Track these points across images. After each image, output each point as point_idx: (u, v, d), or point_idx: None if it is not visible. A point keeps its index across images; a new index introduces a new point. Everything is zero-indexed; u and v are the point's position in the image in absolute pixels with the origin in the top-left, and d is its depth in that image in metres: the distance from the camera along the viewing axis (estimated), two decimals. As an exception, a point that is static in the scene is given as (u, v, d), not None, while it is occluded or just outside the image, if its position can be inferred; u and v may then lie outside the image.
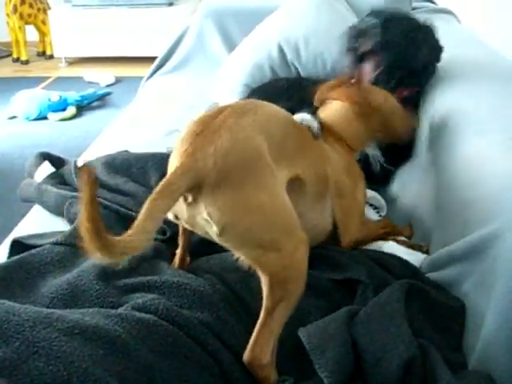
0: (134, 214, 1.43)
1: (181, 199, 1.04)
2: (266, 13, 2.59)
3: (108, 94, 4.57)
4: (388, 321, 1.07)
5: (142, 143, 2.08)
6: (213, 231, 1.06)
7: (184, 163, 1.04)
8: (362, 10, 2.48)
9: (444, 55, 1.70)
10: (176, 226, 1.27)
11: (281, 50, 2.29)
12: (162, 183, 1.00)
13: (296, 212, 1.12)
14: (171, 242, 1.37)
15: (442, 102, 1.62)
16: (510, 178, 1.16)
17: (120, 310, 1.05)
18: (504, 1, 4.42)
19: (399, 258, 1.36)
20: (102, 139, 2.33)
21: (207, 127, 1.09)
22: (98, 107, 4.38)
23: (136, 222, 0.95)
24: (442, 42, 1.80)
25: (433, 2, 3.03)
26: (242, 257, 1.09)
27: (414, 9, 2.75)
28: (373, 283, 1.23)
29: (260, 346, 1.06)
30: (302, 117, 1.41)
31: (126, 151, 1.84)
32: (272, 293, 1.06)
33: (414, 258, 1.39)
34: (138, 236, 0.95)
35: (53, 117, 4.09)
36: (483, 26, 4.59)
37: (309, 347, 1.05)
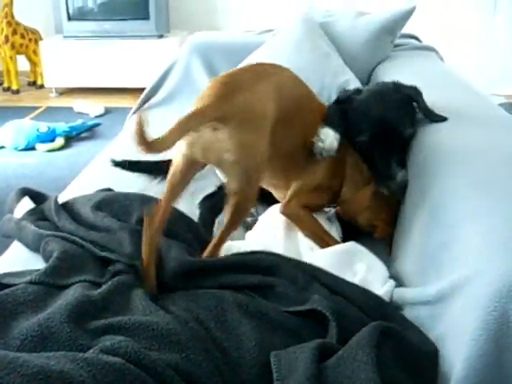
0: (104, 254, 1.46)
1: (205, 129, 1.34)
2: (252, 48, 2.64)
3: (97, 125, 4.58)
4: (358, 367, 1.07)
5: (125, 178, 2.09)
6: (226, 154, 1.35)
7: (214, 102, 1.35)
8: (345, 47, 2.54)
9: (427, 97, 1.71)
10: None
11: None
12: (195, 109, 1.31)
13: None
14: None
15: (424, 143, 1.63)
16: (481, 221, 1.17)
17: (87, 354, 1.04)
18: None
19: (370, 293, 1.36)
20: (85, 173, 2.33)
21: (233, 82, 1.43)
22: (87, 138, 4.39)
23: (168, 130, 1.22)
24: (425, 82, 1.81)
25: (417, 39, 3.07)
26: (230, 182, 1.42)
27: (397, 46, 2.79)
28: (338, 319, 1.22)
29: (216, 252, 1.49)
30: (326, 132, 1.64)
31: (109, 189, 1.85)
32: (234, 216, 1.44)
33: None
34: (167, 139, 1.22)
35: (41, 147, 4.09)
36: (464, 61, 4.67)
37: (276, 376, 1.08)
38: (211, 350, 1.16)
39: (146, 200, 1.69)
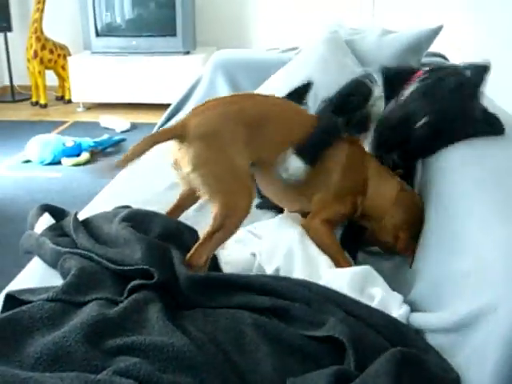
0: (121, 269, 1.46)
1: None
2: (275, 66, 2.64)
3: (123, 140, 4.62)
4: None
5: (146, 195, 2.09)
6: (185, 168, 1.56)
7: (178, 123, 1.62)
8: (370, 66, 2.51)
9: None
10: (165, 270, 1.43)
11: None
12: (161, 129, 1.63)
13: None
14: (161, 288, 1.39)
15: (453, 165, 1.60)
16: (502, 248, 1.13)
17: (100, 376, 1.03)
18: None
19: (389, 316, 1.32)
20: (108, 189, 2.34)
21: (203, 106, 1.66)
22: (113, 153, 4.42)
23: (133, 146, 1.53)
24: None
25: (444, 58, 3.03)
26: (199, 193, 1.58)
27: (423, 65, 2.76)
28: (355, 344, 1.19)
29: (198, 253, 1.53)
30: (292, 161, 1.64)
31: (127, 207, 1.85)
32: (213, 223, 1.55)
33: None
34: (131, 153, 1.52)
35: (66, 162, 4.13)
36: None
37: None
38: (227, 373, 1.14)
39: (166, 218, 1.71)
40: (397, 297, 1.43)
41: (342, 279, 1.47)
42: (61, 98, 6.02)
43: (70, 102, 5.82)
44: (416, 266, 1.53)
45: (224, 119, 1.62)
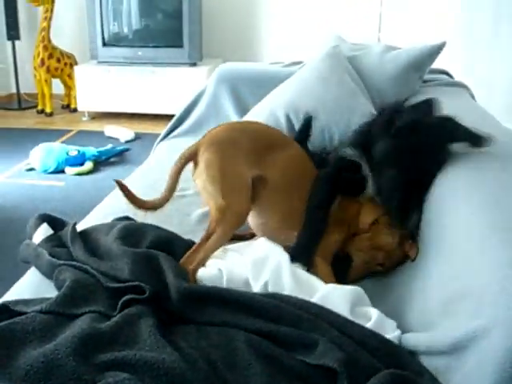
0: (114, 285, 1.45)
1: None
2: (279, 80, 2.64)
3: (126, 150, 4.63)
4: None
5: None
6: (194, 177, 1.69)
7: (191, 146, 1.71)
8: (372, 82, 2.51)
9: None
10: (155, 283, 1.44)
11: (289, 120, 2.31)
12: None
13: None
14: (153, 303, 1.38)
15: (446, 187, 1.59)
16: (498, 270, 1.12)
17: (88, 391, 1.02)
18: None
19: (382, 337, 1.31)
20: (108, 200, 2.33)
21: (214, 129, 1.76)
22: (116, 163, 4.43)
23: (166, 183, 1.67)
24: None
25: (448, 75, 3.03)
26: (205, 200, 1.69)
27: (426, 81, 2.76)
28: (348, 367, 1.17)
29: (193, 255, 1.59)
30: None
31: (127, 217, 1.85)
32: (208, 228, 1.65)
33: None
34: (168, 192, 1.68)
35: (70, 171, 4.14)
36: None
37: None
38: (218, 391, 1.14)
39: (158, 229, 1.73)
40: (389, 321, 1.42)
41: (336, 295, 1.45)
42: (66, 107, 6.04)
43: (75, 110, 5.84)
44: (413, 286, 1.52)
45: (231, 131, 1.74)
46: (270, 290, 1.49)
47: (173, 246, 1.64)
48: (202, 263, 1.58)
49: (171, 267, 1.47)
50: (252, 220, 1.79)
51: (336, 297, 1.45)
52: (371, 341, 1.28)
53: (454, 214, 1.44)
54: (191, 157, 1.68)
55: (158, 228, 1.73)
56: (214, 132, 1.73)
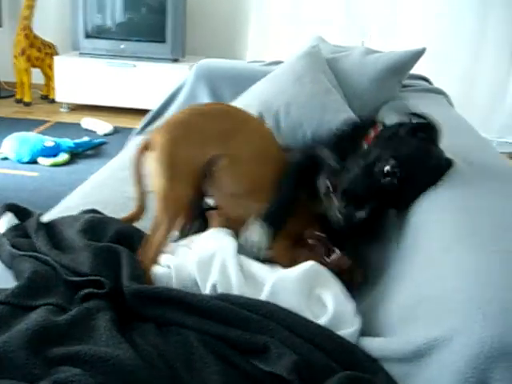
0: (73, 279, 1.42)
1: None
2: (257, 78, 2.62)
3: (103, 143, 4.58)
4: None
5: (117, 199, 2.06)
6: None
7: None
8: (351, 84, 2.51)
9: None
10: (114, 279, 1.41)
11: (261, 118, 2.29)
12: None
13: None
14: (111, 297, 1.36)
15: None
16: (468, 277, 1.11)
17: (37, 386, 0.99)
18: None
19: (338, 337, 1.27)
20: (78, 192, 2.30)
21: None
22: (92, 156, 4.37)
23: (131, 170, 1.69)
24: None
25: (427, 81, 3.03)
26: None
27: (406, 86, 2.75)
28: (302, 373, 1.15)
29: (145, 251, 1.55)
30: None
31: (94, 210, 1.81)
32: (154, 220, 1.60)
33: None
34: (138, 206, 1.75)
35: (44, 161, 4.08)
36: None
37: None
38: (173, 389, 1.11)
39: (120, 223, 1.70)
40: (348, 307, 1.38)
41: (287, 283, 1.40)
42: (45, 97, 5.96)
43: (54, 101, 5.76)
44: (378, 290, 1.50)
45: (189, 114, 1.73)
46: (219, 291, 1.44)
47: (133, 239, 1.61)
48: (155, 259, 1.56)
49: (129, 264, 1.44)
50: (218, 198, 1.77)
51: (288, 287, 1.39)
52: (325, 340, 1.25)
53: (424, 217, 1.43)
54: (147, 145, 1.66)
55: (119, 222, 1.70)
56: (171, 117, 1.77)
